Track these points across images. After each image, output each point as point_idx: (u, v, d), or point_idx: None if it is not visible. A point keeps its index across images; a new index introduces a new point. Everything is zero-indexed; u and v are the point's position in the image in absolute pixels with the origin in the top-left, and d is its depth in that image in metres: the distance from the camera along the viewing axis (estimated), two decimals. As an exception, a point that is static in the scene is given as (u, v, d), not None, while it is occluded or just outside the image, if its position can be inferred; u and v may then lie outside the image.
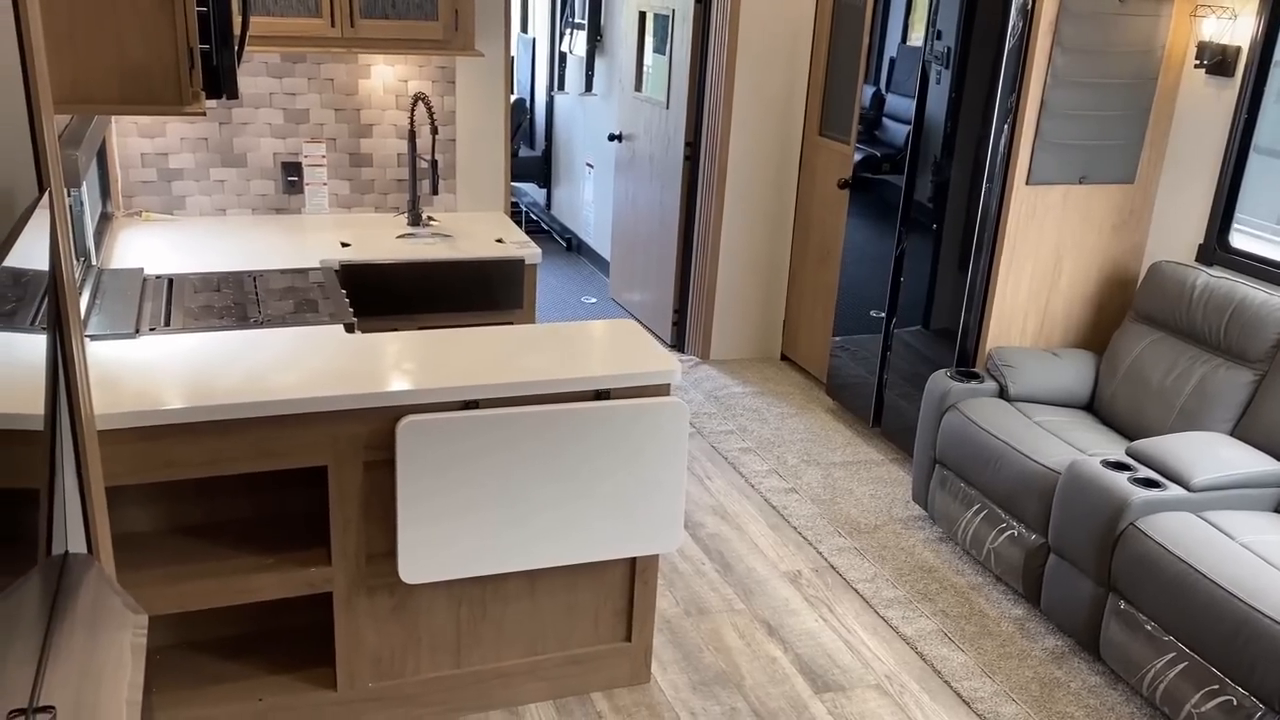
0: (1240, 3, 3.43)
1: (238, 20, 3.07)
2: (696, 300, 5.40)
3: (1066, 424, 3.54)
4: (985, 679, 3.04)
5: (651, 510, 2.69)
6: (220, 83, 2.43)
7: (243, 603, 2.56)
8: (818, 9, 4.92)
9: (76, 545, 2.10)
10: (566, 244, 7.55)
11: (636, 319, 6.03)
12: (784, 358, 5.49)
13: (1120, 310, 3.95)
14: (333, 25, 3.45)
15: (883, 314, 4.35)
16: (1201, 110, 3.64)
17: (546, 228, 7.88)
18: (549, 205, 8.14)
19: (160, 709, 2.55)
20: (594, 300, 6.44)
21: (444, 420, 2.45)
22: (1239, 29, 3.45)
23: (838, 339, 4.71)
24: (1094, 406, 3.73)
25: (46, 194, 1.83)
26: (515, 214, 7.95)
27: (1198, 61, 3.58)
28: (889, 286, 4.30)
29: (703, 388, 5.06)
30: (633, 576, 2.84)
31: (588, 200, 7.18)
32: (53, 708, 1.65)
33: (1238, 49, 3.47)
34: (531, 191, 8.53)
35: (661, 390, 2.68)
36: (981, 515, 3.47)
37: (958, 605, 3.39)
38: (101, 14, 2.12)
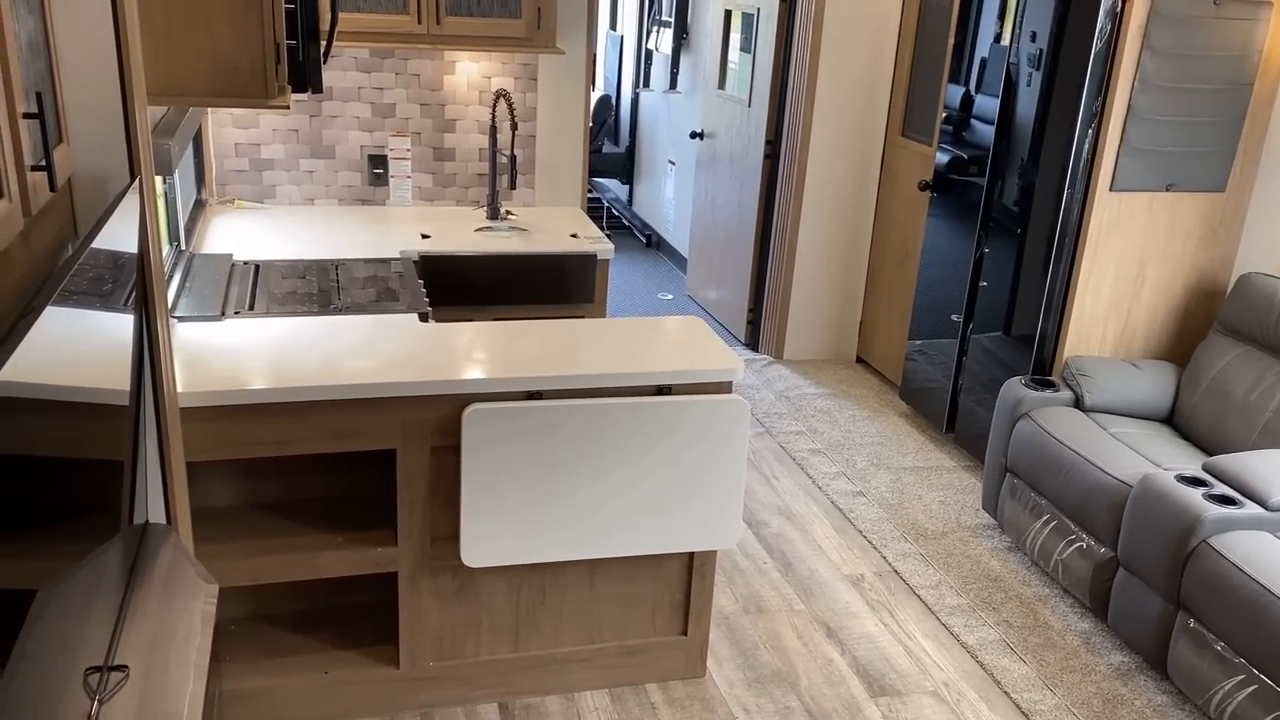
0: (1343, 7, 3.31)
1: (327, 16, 3.18)
2: (771, 299, 5.40)
3: (1143, 436, 3.46)
4: (1046, 691, 3.00)
5: (710, 506, 2.72)
6: (306, 77, 2.53)
7: (312, 579, 2.66)
8: (903, 9, 4.87)
9: (156, 516, 2.21)
10: (646, 240, 7.60)
11: (712, 316, 6.04)
12: (859, 360, 5.45)
13: (1205, 322, 3.84)
14: (419, 22, 3.55)
15: (960, 318, 4.30)
16: (1299, 118, 3.52)
17: (628, 224, 7.94)
18: (631, 201, 8.20)
19: (232, 677, 2.66)
20: (670, 297, 6.47)
21: (508, 409, 2.51)
22: (1341, 34, 3.33)
23: (914, 342, 4.66)
24: (1173, 420, 3.63)
25: (137, 181, 1.93)
26: (597, 209, 8.03)
27: (1296, 67, 3.46)
28: (967, 290, 4.25)
29: (774, 387, 5.05)
30: (690, 571, 2.87)
31: (669, 197, 7.22)
32: (126, 667, 1.75)
33: (1339, 55, 3.35)
34: (614, 187, 8.59)
35: (724, 388, 2.71)
36: (1051, 526, 3.42)
37: (1022, 616, 3.35)
38: (194, 10, 2.22)
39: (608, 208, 8.13)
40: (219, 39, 2.23)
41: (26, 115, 1.55)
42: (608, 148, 8.27)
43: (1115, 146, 3.54)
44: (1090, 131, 3.57)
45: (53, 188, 1.63)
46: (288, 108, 2.33)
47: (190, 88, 2.23)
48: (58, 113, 1.80)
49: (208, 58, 2.23)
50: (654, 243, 7.54)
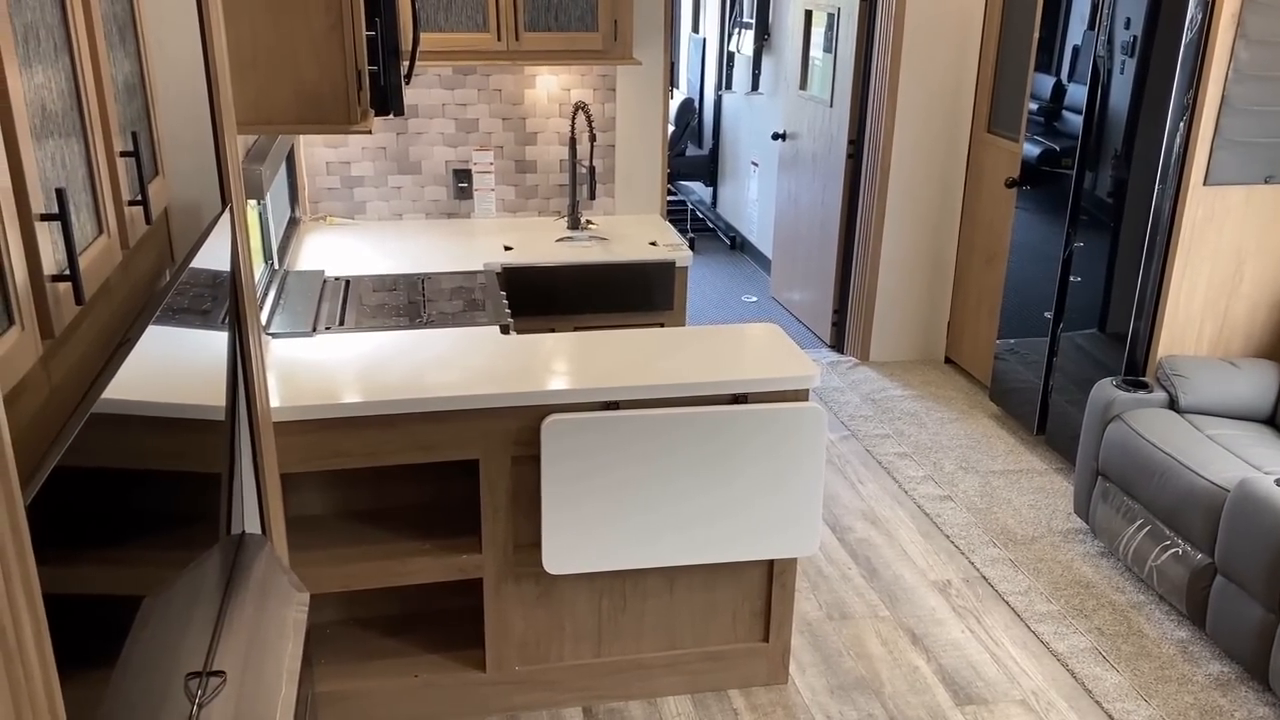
0: None
1: (409, 37, 3.28)
2: (856, 300, 5.36)
3: (1242, 438, 3.35)
4: (1140, 702, 2.93)
5: (788, 514, 2.72)
6: (388, 101, 2.62)
7: (402, 585, 2.75)
8: (986, 4, 4.79)
9: (252, 526, 2.32)
10: (730, 242, 7.60)
11: (796, 318, 6.02)
12: (948, 360, 5.37)
13: (1311, 318, 3.69)
14: (499, 39, 3.63)
15: (1051, 315, 4.20)
16: None
17: (712, 225, 7.95)
18: (715, 203, 8.20)
19: (326, 680, 2.77)
20: (754, 299, 6.46)
21: (585, 420, 2.56)
22: None
23: (1004, 341, 4.58)
24: (1275, 420, 3.50)
25: (227, 209, 2.03)
26: (681, 212, 8.06)
27: (1404, 51, 3.30)
28: (1058, 286, 4.16)
29: (860, 390, 5.02)
30: (771, 578, 2.88)
31: (752, 199, 7.21)
32: (224, 673, 1.84)
33: None
34: (698, 190, 8.61)
35: (800, 395, 2.71)
36: (1145, 531, 3.33)
37: (1115, 623, 3.27)
38: (280, 41, 2.32)
39: (692, 210, 8.16)
40: (303, 68, 2.32)
41: (124, 154, 1.65)
42: (691, 150, 8.28)
43: (1209, 140, 3.43)
44: (1182, 125, 3.46)
45: (148, 221, 1.72)
46: (369, 132, 2.42)
47: (277, 116, 2.33)
48: (154, 147, 1.90)
49: (292, 87, 2.33)
50: (738, 244, 7.54)
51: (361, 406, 2.49)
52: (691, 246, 7.09)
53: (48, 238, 1.29)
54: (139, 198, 1.72)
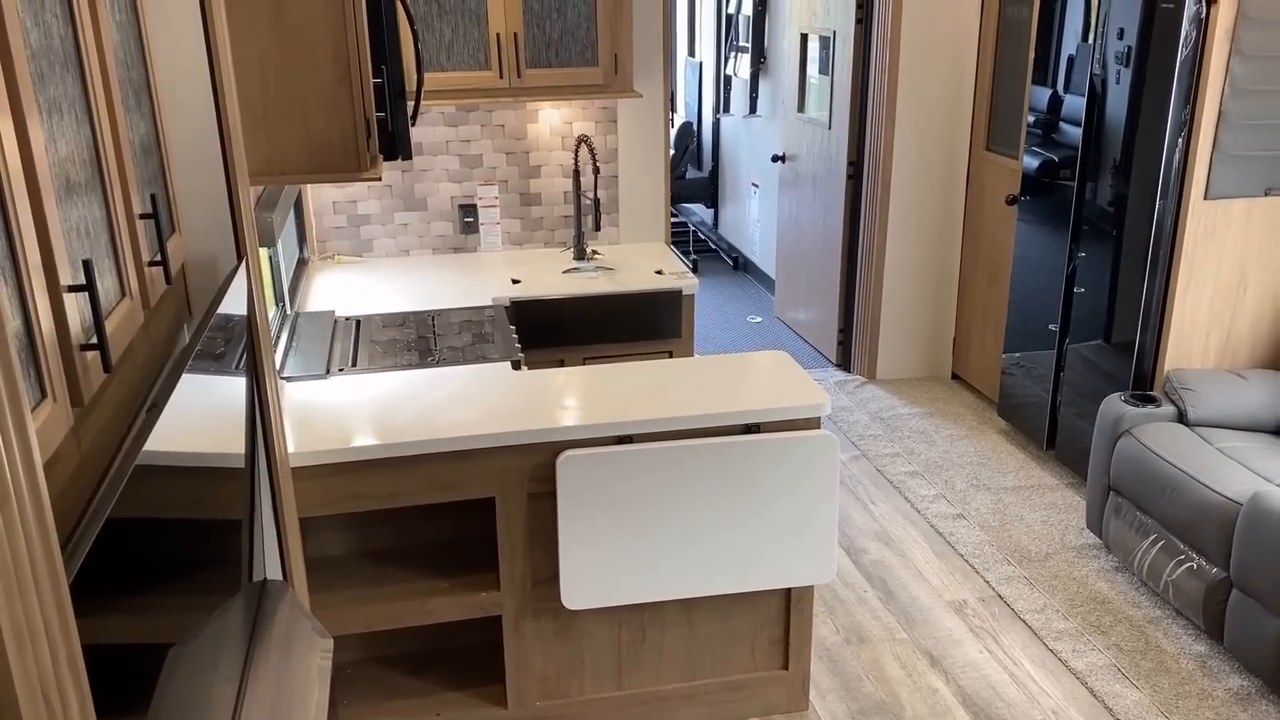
0: None
1: (413, 78, 3.32)
2: (862, 319, 5.38)
3: (1252, 450, 3.36)
4: (1161, 718, 2.93)
5: (804, 542, 2.74)
6: (396, 145, 2.65)
7: (422, 624, 2.76)
8: (981, 24, 4.83)
9: (273, 572, 2.34)
10: (734, 263, 7.63)
11: (801, 338, 6.04)
12: (955, 377, 5.38)
13: (1316, 327, 3.71)
14: (501, 76, 3.67)
15: (1056, 327, 4.22)
16: (1404, 112, 3.39)
17: (714, 246, 7.98)
18: (716, 225, 8.24)
19: (349, 720, 2.78)
20: (759, 319, 6.49)
21: (600, 455, 2.58)
22: None
23: (1010, 355, 4.60)
24: (1286, 431, 3.52)
25: (243, 263, 2.06)
26: (683, 234, 8.10)
27: (1398, 61, 3.33)
28: (1062, 298, 4.17)
29: (868, 408, 5.03)
30: (789, 606, 2.89)
31: (754, 219, 7.24)
32: (252, 723, 1.86)
33: None
34: (699, 211, 8.65)
35: (812, 423, 2.73)
36: (1159, 546, 3.34)
37: (1133, 639, 3.27)
38: (290, 92, 2.36)
39: (694, 231, 8.20)
40: (312, 119, 2.36)
41: (143, 216, 1.68)
42: (691, 173, 8.33)
43: (1208, 154, 3.46)
44: (1181, 140, 3.49)
45: (168, 280, 1.75)
46: (379, 179, 2.45)
47: (287, 167, 2.36)
48: (170, 205, 1.93)
49: (302, 137, 2.36)
50: (741, 265, 7.57)
51: (378, 449, 2.52)
52: (695, 268, 7.10)
53: (75, 307, 1.32)
54: (159, 258, 1.75)
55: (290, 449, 2.53)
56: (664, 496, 2.63)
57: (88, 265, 1.30)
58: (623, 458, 2.59)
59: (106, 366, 1.35)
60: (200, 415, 1.73)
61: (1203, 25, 3.36)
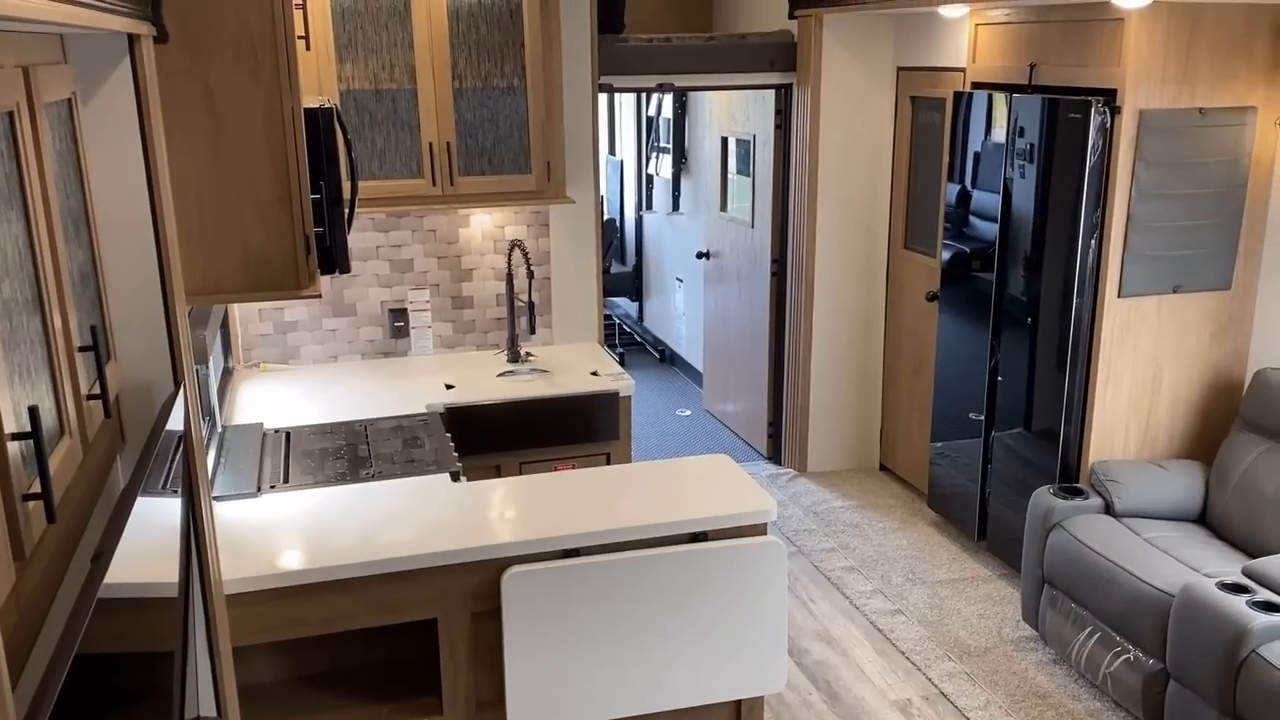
0: (1326, 108, 3.41)
1: (346, 186, 3.30)
2: (791, 413, 5.44)
3: (1178, 540, 3.45)
4: (1110, 816, 2.93)
5: (754, 651, 2.71)
6: (334, 259, 2.62)
7: (360, 752, 2.64)
8: (896, 129, 5.02)
9: (206, 708, 2.22)
10: (660, 355, 7.68)
11: (732, 431, 6.07)
12: (883, 468, 5.45)
13: (1227, 417, 3.86)
14: (434, 184, 3.67)
15: (981, 417, 4.31)
16: (1296, 214, 3.59)
17: (640, 339, 8.03)
18: (641, 318, 8.31)
19: None
20: (688, 413, 6.51)
21: (546, 570, 2.53)
22: (1327, 133, 3.42)
23: (937, 445, 4.68)
24: (1206, 520, 3.62)
25: (181, 388, 2.00)
26: (609, 327, 8.13)
27: (1287, 167, 3.55)
28: (986, 390, 4.28)
29: (801, 502, 5.05)
30: (739, 716, 2.84)
31: (679, 313, 7.32)
32: None
33: (1328, 153, 3.43)
34: (624, 304, 8.72)
35: (759, 529, 2.72)
36: (1095, 638, 3.38)
37: (1076, 734, 3.29)
38: (228, 211, 2.32)
39: (619, 324, 8.24)
40: (251, 237, 2.32)
41: (83, 348, 1.62)
42: (615, 268, 8.41)
43: (1119, 255, 3.61)
44: (1093, 241, 3.65)
45: (107, 414, 1.69)
46: (319, 296, 2.41)
47: (224, 286, 2.31)
48: (107, 332, 1.87)
49: (240, 256, 2.32)
50: (667, 357, 7.62)
51: (315, 573, 2.43)
52: (622, 361, 7.14)
53: (18, 454, 1.25)
54: (97, 390, 1.68)
55: (223, 575, 2.43)
56: (613, 610, 2.58)
57: (34, 411, 1.24)
58: (570, 572, 2.54)
59: (51, 516, 1.29)
60: (134, 541, 1.65)
61: (1108, 134, 3.55)
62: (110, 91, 1.86)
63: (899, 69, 4.97)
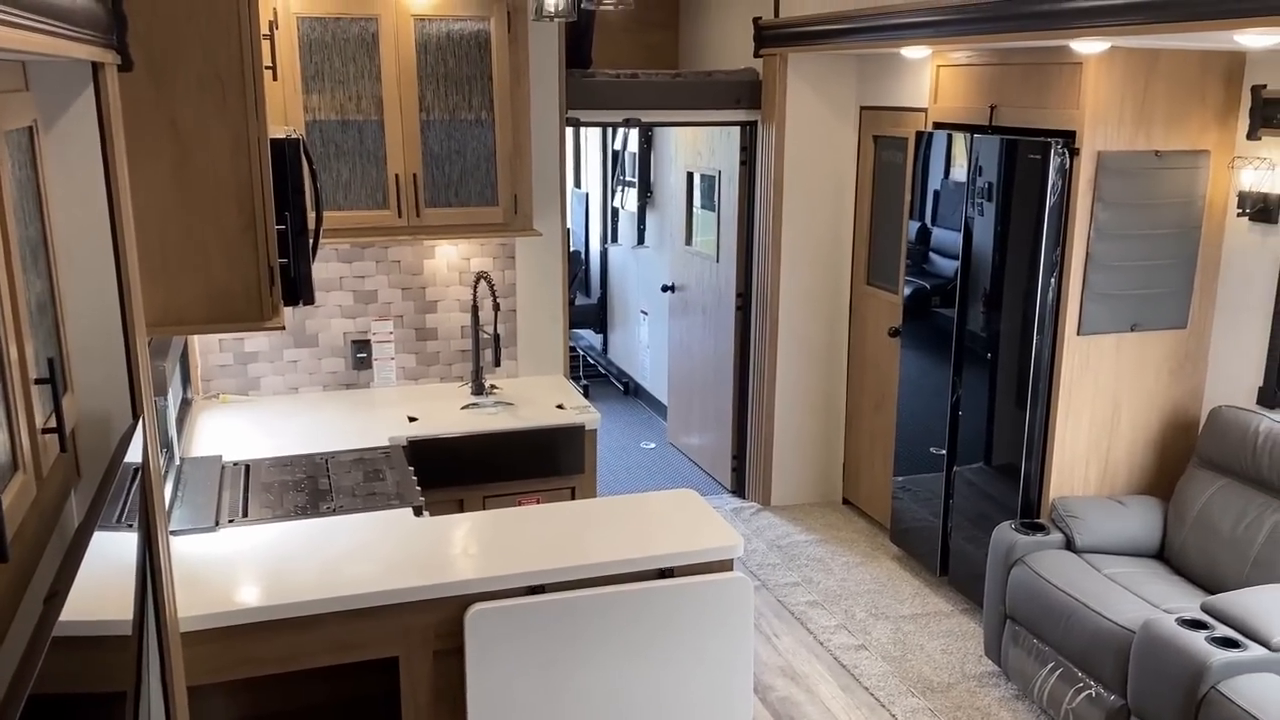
0: (1278, 153, 3.50)
1: (311, 216, 3.27)
2: (755, 446, 5.44)
3: (1138, 576, 3.48)
4: None
5: (720, 689, 2.69)
6: (299, 291, 2.59)
7: (317, 794, 2.59)
8: (858, 168, 5.08)
9: (160, 751, 2.16)
10: (624, 387, 7.67)
11: (695, 464, 6.07)
12: (846, 501, 5.47)
13: (1184, 454, 3.91)
14: (400, 215, 3.66)
15: (943, 451, 4.34)
16: (1248, 256, 3.67)
17: (604, 371, 8.02)
18: (605, 350, 8.30)
19: None
20: (653, 445, 6.50)
21: (511, 607, 2.50)
22: (1279, 178, 3.50)
23: (899, 479, 4.70)
24: (1164, 555, 3.66)
25: (140, 421, 1.96)
26: (573, 359, 8.12)
27: (1240, 210, 3.62)
28: (948, 424, 4.31)
29: (765, 536, 5.05)
30: (703, 755, 2.81)
31: (644, 345, 7.32)
32: None
33: (1279, 197, 3.51)
34: (589, 336, 8.71)
35: (725, 565, 2.71)
36: (1057, 674, 3.40)
37: (1039, 771, 3.29)
38: (192, 242, 2.29)
39: (583, 356, 8.23)
40: (214, 268, 2.29)
41: (39, 381, 1.59)
42: (580, 300, 8.41)
43: (1079, 293, 3.67)
44: (1053, 280, 3.70)
45: (63, 448, 1.65)
46: (283, 328, 2.38)
47: (186, 317, 2.28)
48: (64, 363, 1.83)
49: (203, 287, 2.29)
50: (631, 389, 7.61)
51: (273, 610, 2.38)
52: (586, 393, 7.11)
53: (-30, 492, 1.22)
54: (53, 424, 1.64)
55: (179, 612, 2.37)
56: (578, 647, 2.55)
57: (-12, 449, 1.21)
58: (535, 609, 2.51)
59: (2, 555, 1.25)
60: (88, 577, 1.61)
61: (1068, 175, 3.61)
62: (73, 120, 1.84)
63: (862, 108, 5.03)
